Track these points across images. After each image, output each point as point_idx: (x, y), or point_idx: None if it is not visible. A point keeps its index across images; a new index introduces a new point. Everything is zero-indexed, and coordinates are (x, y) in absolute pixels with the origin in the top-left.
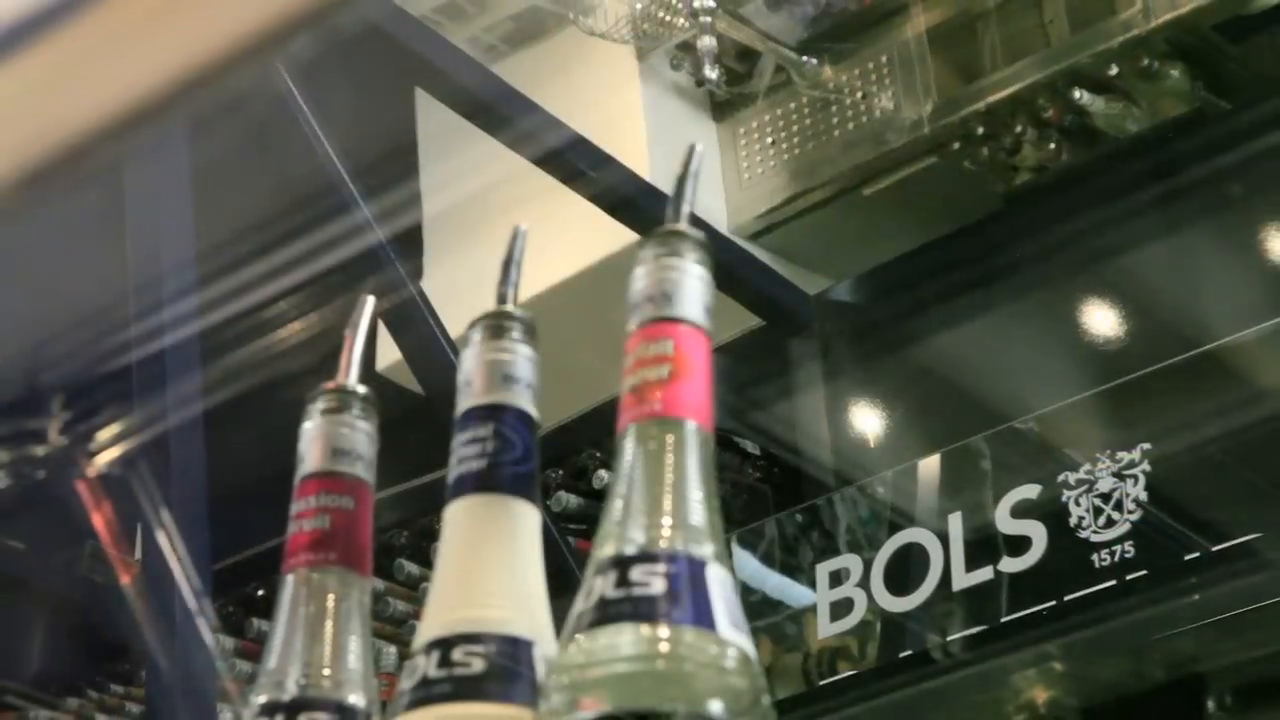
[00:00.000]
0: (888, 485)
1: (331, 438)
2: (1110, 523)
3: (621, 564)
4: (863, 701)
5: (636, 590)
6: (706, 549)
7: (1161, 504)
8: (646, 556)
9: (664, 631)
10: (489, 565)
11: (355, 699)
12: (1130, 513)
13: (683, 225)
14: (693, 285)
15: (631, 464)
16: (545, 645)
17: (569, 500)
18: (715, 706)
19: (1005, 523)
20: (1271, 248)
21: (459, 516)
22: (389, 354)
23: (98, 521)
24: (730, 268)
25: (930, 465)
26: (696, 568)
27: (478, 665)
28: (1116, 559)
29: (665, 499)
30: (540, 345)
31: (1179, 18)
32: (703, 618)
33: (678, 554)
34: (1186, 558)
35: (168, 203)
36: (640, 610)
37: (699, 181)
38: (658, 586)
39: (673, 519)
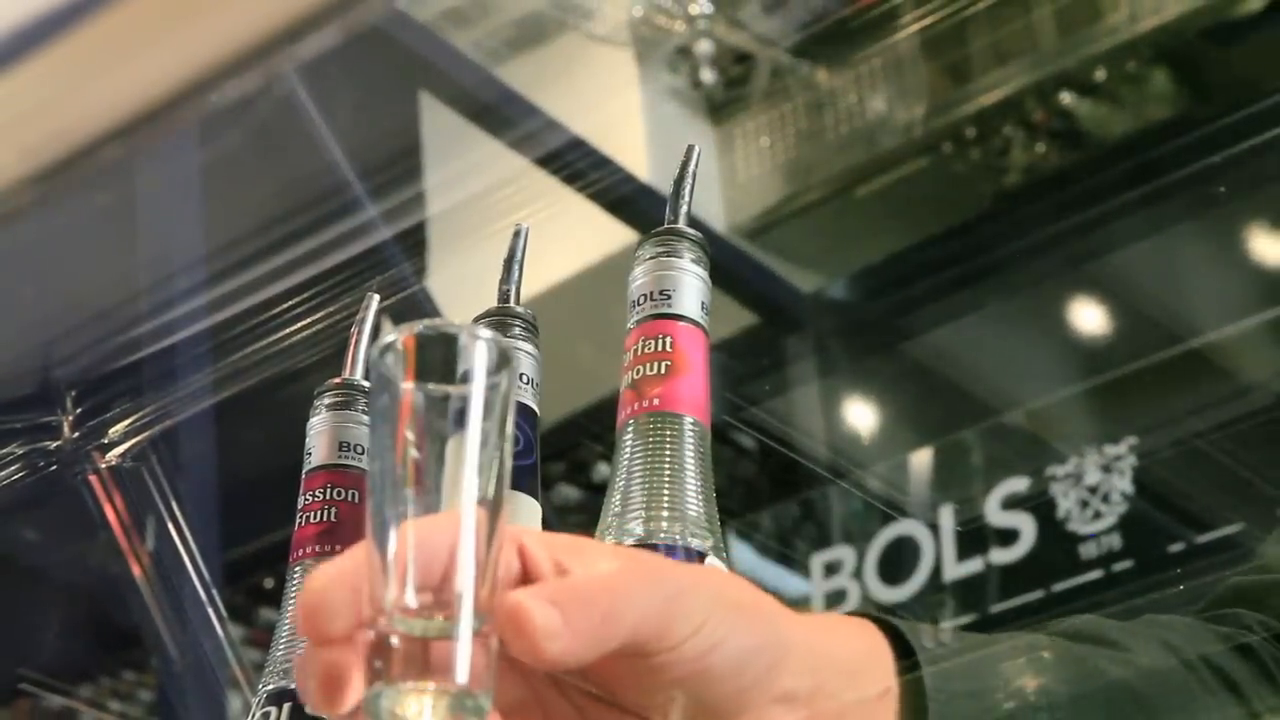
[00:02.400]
0: (881, 478)
1: (337, 432)
2: (1097, 515)
3: None
4: None
5: None
6: (704, 541)
7: (1147, 496)
8: (645, 548)
9: None
10: None
11: None
12: (1117, 505)
13: (681, 225)
14: (691, 283)
15: (630, 458)
16: None
17: (570, 493)
18: None
19: (995, 515)
20: (1255, 246)
21: None
22: None
23: (110, 514)
24: (727, 266)
25: (922, 458)
26: (694, 559)
27: None
28: (1103, 550)
29: (663, 492)
30: (542, 342)
31: (1164, 23)
32: None
33: (676, 545)
34: (1171, 549)
35: (178, 202)
36: None
37: (696, 182)
38: None
39: (671, 511)
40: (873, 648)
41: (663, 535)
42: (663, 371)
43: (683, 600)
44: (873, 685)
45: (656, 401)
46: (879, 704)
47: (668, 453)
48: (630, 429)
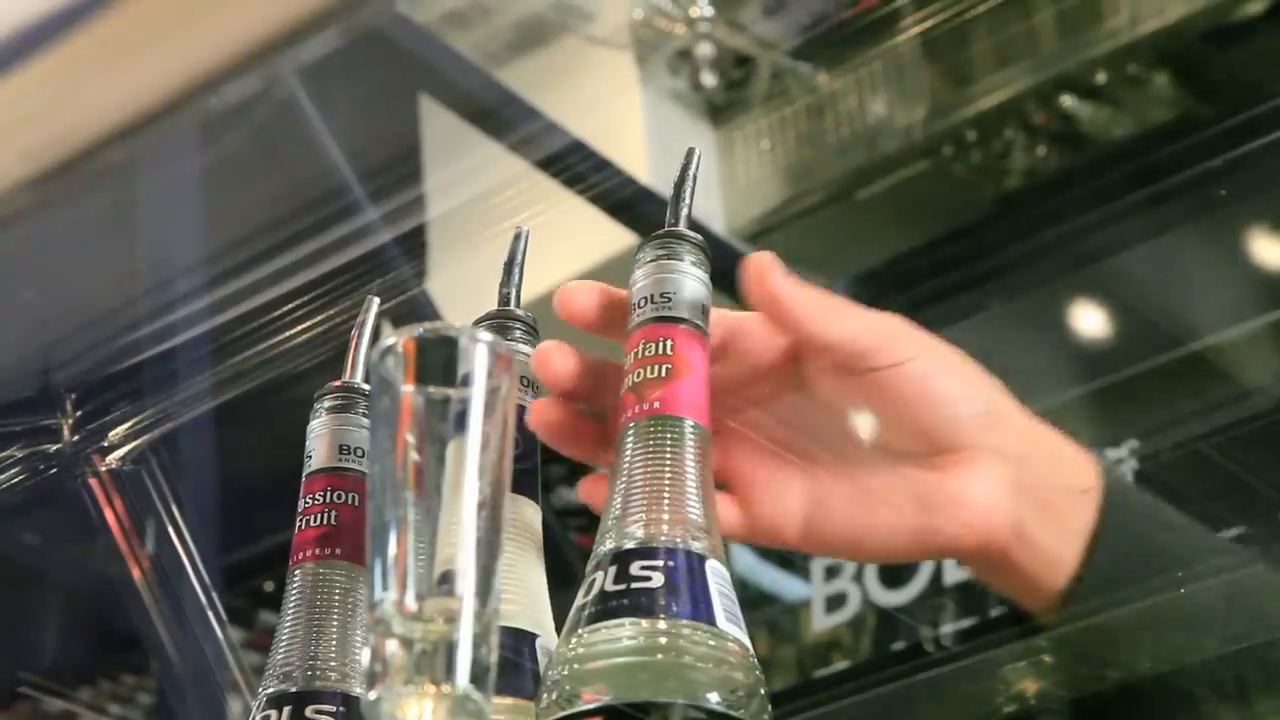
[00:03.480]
0: None
1: (338, 435)
2: None
3: (621, 559)
4: (857, 693)
5: (636, 584)
6: (704, 544)
7: None
8: (645, 551)
9: (663, 625)
10: None
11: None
12: None
13: (681, 227)
14: (691, 286)
15: (631, 461)
16: (547, 638)
17: (570, 496)
18: (713, 698)
19: None
20: (1256, 249)
21: None
22: None
23: (110, 517)
24: (727, 269)
25: None
26: (695, 562)
27: None
28: None
29: (664, 495)
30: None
31: (1165, 26)
32: (701, 611)
33: (676, 549)
34: None
35: (179, 205)
36: (639, 604)
37: (697, 185)
38: (657, 581)
39: (671, 514)
40: (1080, 451)
41: (663, 538)
42: (663, 374)
43: (900, 335)
44: (1079, 480)
45: (657, 404)
46: (1081, 498)
47: (668, 456)
48: (630, 432)
